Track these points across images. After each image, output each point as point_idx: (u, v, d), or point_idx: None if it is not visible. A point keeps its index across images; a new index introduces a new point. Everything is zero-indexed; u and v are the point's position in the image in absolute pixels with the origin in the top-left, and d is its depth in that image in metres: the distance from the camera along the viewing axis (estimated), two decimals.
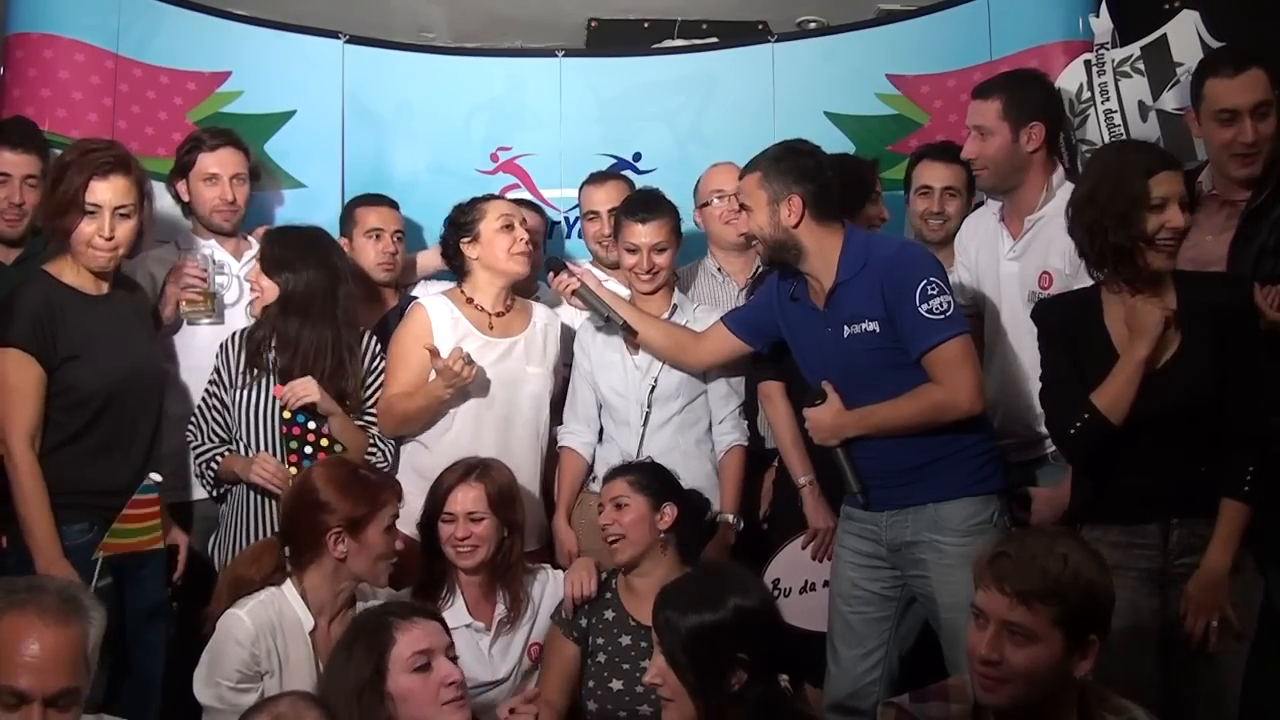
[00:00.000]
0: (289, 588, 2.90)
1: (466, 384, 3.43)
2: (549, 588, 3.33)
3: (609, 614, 3.25)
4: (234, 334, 3.53)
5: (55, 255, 3.29)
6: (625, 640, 3.21)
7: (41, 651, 2.07)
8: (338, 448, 3.38)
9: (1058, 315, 2.99)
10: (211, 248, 3.78)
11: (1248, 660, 2.84)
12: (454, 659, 2.54)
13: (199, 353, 3.61)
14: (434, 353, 3.41)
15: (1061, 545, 2.24)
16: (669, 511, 3.23)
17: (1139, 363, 2.78)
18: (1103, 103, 3.91)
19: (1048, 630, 2.18)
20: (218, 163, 3.74)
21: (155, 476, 2.97)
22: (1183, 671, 2.82)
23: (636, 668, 3.15)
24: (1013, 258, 3.44)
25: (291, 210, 4.30)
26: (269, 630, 2.80)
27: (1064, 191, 3.33)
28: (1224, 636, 2.79)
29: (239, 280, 3.75)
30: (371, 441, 3.52)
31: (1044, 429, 3.24)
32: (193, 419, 3.51)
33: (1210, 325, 2.79)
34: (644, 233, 3.57)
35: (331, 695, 2.44)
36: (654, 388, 3.58)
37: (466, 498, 3.20)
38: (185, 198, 3.79)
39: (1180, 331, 2.81)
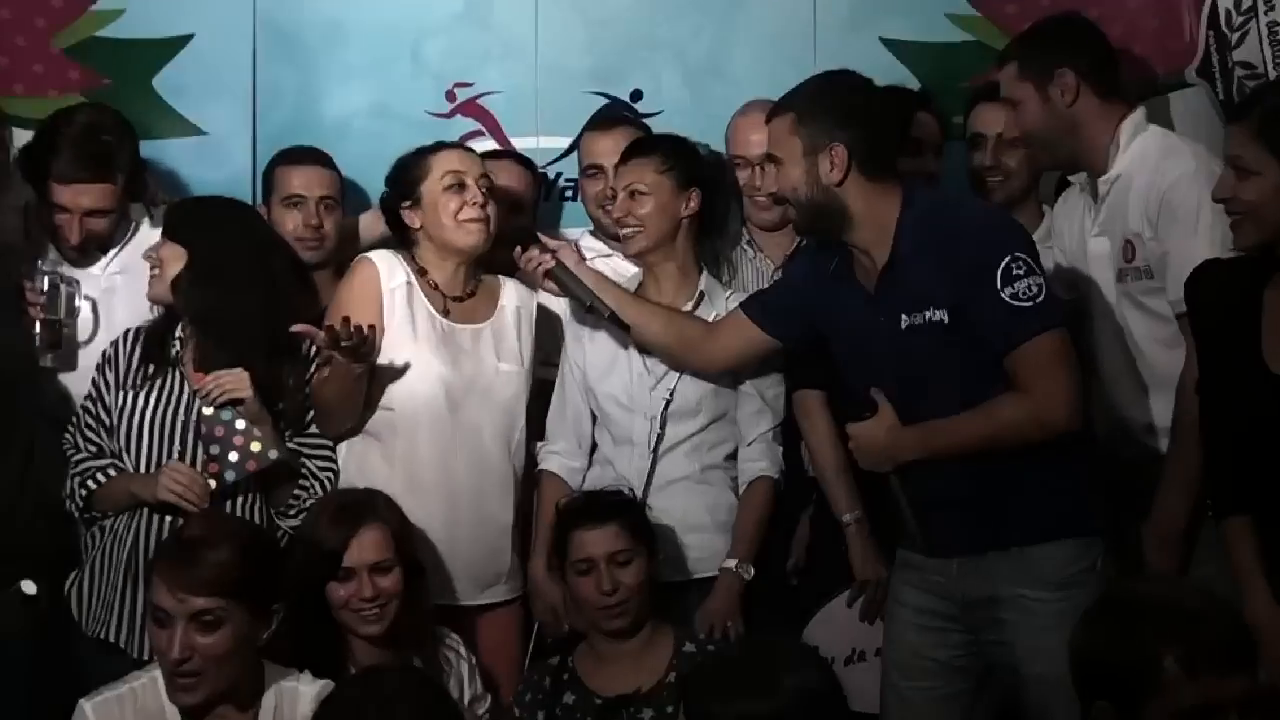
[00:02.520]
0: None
1: (370, 357, 3.10)
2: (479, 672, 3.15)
3: (569, 697, 3.08)
4: (125, 331, 3.25)
5: None
6: None
7: None
8: (272, 454, 3.06)
9: (1205, 293, 2.80)
10: (52, 264, 3.39)
11: None
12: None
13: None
14: (345, 320, 3.07)
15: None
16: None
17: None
18: (1266, 13, 3.61)
19: None
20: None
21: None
22: None
23: None
24: (1098, 233, 3.23)
25: (188, 165, 3.91)
26: None
27: (1143, 140, 3.17)
28: None
29: (94, 304, 3.42)
30: (304, 473, 3.17)
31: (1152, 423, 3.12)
32: (67, 435, 3.23)
33: None
34: (624, 170, 3.26)
35: None
36: (670, 400, 3.24)
37: (368, 545, 2.96)
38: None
39: None
